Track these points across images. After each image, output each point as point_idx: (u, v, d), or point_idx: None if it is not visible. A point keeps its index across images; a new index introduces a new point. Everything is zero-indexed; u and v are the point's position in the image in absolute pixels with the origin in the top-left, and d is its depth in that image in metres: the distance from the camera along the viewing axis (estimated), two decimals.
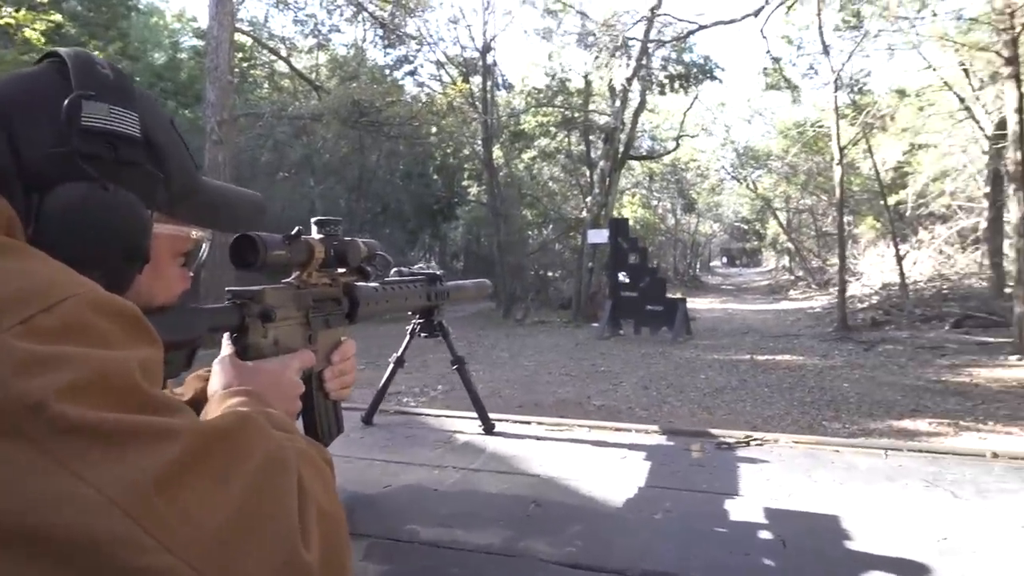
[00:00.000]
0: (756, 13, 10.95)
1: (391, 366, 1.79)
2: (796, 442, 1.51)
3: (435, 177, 19.79)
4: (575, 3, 16.56)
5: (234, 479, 0.50)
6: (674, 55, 17.76)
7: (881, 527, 1.08)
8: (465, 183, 20.87)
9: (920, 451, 1.45)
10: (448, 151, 18.94)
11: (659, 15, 13.50)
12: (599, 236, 14.73)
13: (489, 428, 1.66)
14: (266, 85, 19.85)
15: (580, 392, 8.11)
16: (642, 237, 19.28)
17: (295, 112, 15.71)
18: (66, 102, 0.64)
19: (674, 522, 1.12)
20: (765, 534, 1.07)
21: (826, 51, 13.38)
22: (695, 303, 14.63)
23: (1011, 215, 10.62)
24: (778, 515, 1.13)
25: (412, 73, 18.97)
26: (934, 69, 14.47)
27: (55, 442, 0.44)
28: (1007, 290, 14.67)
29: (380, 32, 16.53)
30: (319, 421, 1.04)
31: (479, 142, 17.85)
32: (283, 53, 17.42)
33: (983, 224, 16.64)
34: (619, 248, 13.43)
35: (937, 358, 10.03)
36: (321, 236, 1.02)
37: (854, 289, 17.04)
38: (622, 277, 13.25)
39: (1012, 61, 10.17)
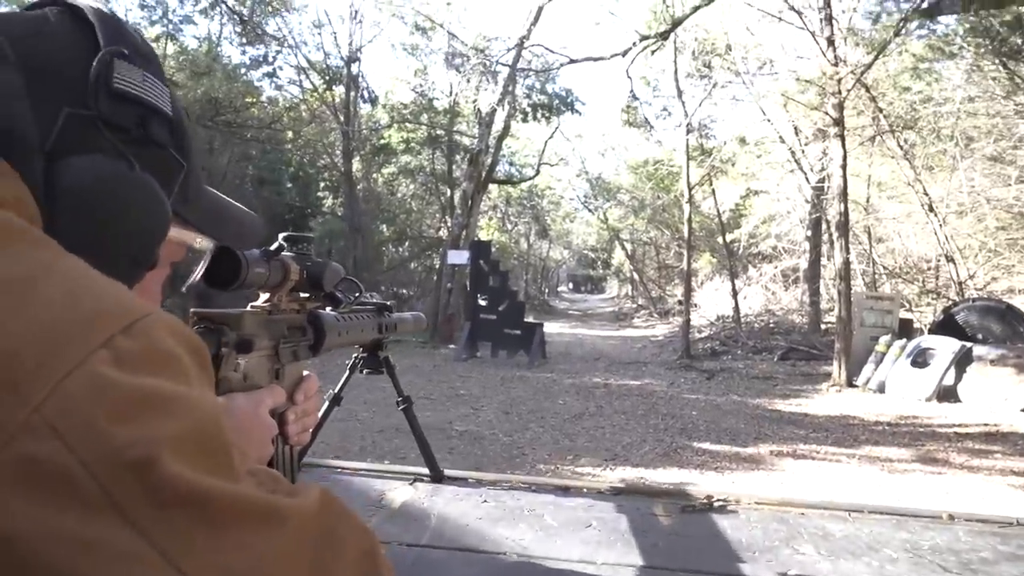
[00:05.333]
0: (624, 53, 11.52)
1: (325, 403, 1.55)
2: (758, 503, 1.44)
3: (289, 185, 18.91)
4: (445, 23, 16.58)
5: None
6: (538, 85, 18.24)
7: None
8: (320, 194, 20.11)
9: (879, 512, 1.42)
10: (305, 160, 18.19)
11: (529, 46, 13.82)
12: (459, 257, 14.68)
13: (437, 477, 1.46)
14: None
15: (442, 417, 7.90)
16: (501, 260, 19.50)
17: None
18: (98, 57, 0.51)
19: None
20: None
21: (680, 95, 14.30)
22: (547, 327, 14.94)
23: (835, 260, 11.78)
24: None
25: (271, 75, 18.05)
26: (770, 122, 15.89)
27: (156, 520, 0.32)
28: (823, 326, 16.34)
29: (238, 28, 15.61)
30: (279, 471, 0.89)
31: (339, 153, 17.28)
32: None
33: (803, 265, 18.42)
34: (480, 271, 13.44)
35: (771, 388, 10.85)
36: (293, 255, 0.92)
37: (693, 320, 18.20)
38: (481, 300, 13.24)
39: (839, 122, 11.36)
